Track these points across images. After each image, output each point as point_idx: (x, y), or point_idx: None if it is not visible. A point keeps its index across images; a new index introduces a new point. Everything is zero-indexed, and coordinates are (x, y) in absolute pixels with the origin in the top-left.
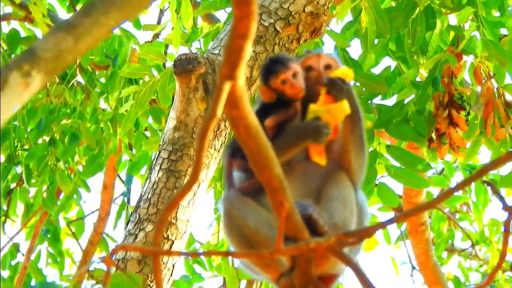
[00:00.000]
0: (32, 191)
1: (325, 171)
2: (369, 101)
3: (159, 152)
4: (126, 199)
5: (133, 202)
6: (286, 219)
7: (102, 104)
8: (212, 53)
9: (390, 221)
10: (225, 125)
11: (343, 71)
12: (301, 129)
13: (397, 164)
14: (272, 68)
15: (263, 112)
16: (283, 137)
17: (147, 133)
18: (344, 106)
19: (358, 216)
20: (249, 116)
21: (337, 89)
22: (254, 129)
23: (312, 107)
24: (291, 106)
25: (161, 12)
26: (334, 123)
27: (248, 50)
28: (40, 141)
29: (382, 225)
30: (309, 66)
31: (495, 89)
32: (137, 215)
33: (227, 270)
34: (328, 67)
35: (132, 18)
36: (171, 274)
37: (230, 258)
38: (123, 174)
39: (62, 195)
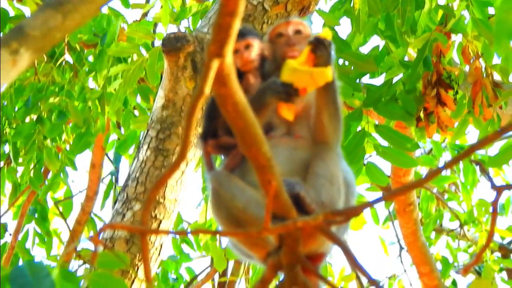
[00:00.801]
0: (20, 170)
1: (310, 147)
2: (358, 80)
3: (147, 130)
4: (114, 178)
5: (121, 182)
6: (274, 198)
7: (90, 83)
8: (200, 32)
9: (377, 200)
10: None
11: (324, 33)
12: (268, 89)
13: (385, 143)
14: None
15: None
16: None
17: (136, 112)
18: (328, 72)
19: (345, 193)
20: (237, 94)
21: (322, 49)
22: (242, 106)
23: (291, 63)
24: (243, 79)
25: None
26: (312, 87)
27: (237, 28)
28: (27, 119)
29: (370, 204)
30: (279, 32)
31: (483, 69)
32: (125, 194)
33: (214, 250)
34: (298, 32)
35: None
36: (159, 253)
37: (218, 237)
38: (111, 154)
39: (49, 175)
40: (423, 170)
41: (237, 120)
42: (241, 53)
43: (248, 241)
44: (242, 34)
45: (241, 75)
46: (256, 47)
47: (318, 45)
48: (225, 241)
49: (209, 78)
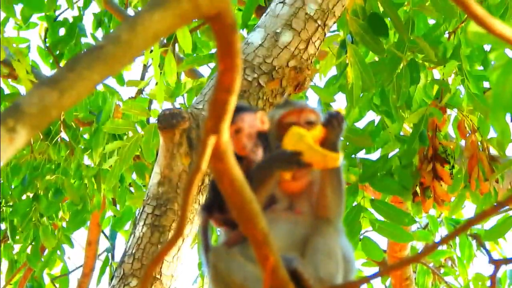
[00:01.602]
0: (17, 247)
1: (309, 221)
2: (353, 155)
3: (143, 207)
4: (110, 255)
5: (117, 258)
6: (272, 273)
7: (86, 160)
8: (196, 108)
9: (374, 275)
10: (209, 180)
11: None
12: (276, 159)
13: (381, 218)
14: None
15: None
16: (254, 170)
17: (131, 189)
18: (339, 159)
19: (344, 268)
20: (234, 170)
21: (335, 124)
22: (239, 183)
23: (303, 132)
24: (243, 160)
25: (145, 67)
26: (320, 167)
27: (233, 104)
28: (24, 197)
29: (367, 279)
30: (290, 122)
31: (479, 143)
32: (122, 270)
33: None
34: (309, 123)
35: (116, 73)
36: None
37: None
38: (107, 230)
39: (46, 251)
40: (419, 245)
41: (234, 196)
42: (232, 139)
43: None
44: (234, 116)
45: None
46: (247, 127)
47: (331, 120)
48: None
49: (205, 154)
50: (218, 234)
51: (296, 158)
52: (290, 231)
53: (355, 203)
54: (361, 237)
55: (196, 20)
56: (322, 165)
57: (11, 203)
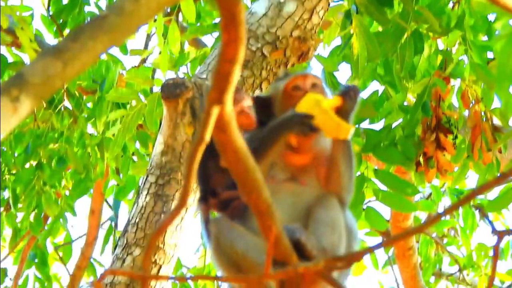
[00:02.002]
0: (20, 216)
1: (314, 193)
2: (357, 125)
3: (147, 176)
4: (113, 223)
5: (121, 227)
6: (275, 243)
7: (90, 129)
8: (199, 78)
9: (378, 246)
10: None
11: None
12: (288, 121)
13: (384, 188)
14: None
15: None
16: (264, 131)
17: (134, 158)
18: (350, 131)
19: (347, 239)
20: (237, 140)
21: (352, 95)
22: (242, 153)
23: (319, 98)
24: None
25: (148, 37)
26: (331, 136)
27: (237, 74)
28: (27, 165)
29: (370, 249)
30: (296, 85)
31: (482, 113)
32: (125, 240)
33: None
34: (314, 86)
35: (119, 43)
36: None
37: (217, 283)
38: (110, 199)
39: (49, 220)
40: (422, 215)
41: (237, 166)
42: (240, 117)
43: (248, 286)
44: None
45: None
46: (247, 103)
47: (348, 91)
48: (224, 286)
49: (209, 125)
50: None
51: (307, 121)
52: (293, 202)
53: (358, 173)
54: (365, 207)
55: None
56: (334, 133)
57: (14, 172)
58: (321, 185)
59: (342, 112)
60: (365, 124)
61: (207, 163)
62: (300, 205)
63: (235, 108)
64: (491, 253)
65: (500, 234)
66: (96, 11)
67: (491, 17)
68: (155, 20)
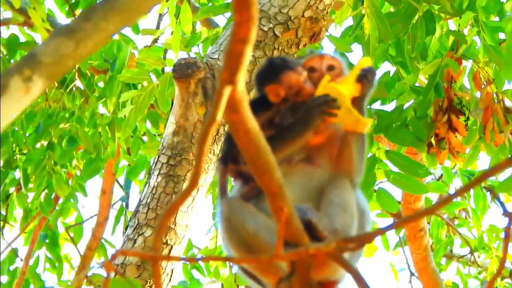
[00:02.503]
0: (31, 196)
1: (326, 174)
2: (368, 106)
3: (158, 157)
4: (124, 204)
5: (132, 207)
6: (286, 224)
7: (101, 109)
8: (211, 58)
9: (389, 227)
10: (224, 130)
11: (364, 61)
12: (312, 108)
13: (396, 169)
14: (287, 66)
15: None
16: (293, 122)
17: (145, 138)
18: (367, 125)
19: (359, 220)
20: (249, 121)
21: (370, 78)
22: (254, 134)
23: (341, 89)
24: (273, 106)
25: (160, 16)
26: (350, 129)
27: (248, 55)
28: (38, 145)
29: (382, 231)
30: (311, 67)
31: (494, 95)
32: (136, 220)
33: (225, 276)
34: (331, 68)
35: (131, 23)
36: (170, 279)
37: (228, 263)
38: (121, 179)
39: (60, 200)
40: (433, 196)
41: (249, 147)
42: (308, 83)
43: (259, 267)
44: (297, 64)
45: (265, 102)
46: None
47: (366, 75)
48: (235, 267)
49: (220, 105)
50: (233, 186)
51: (328, 99)
52: (306, 183)
53: (370, 154)
54: (376, 188)
55: None
56: (351, 127)
57: (25, 151)
58: (333, 165)
59: (358, 97)
60: (376, 105)
61: None
62: (312, 187)
63: (300, 78)
64: (502, 235)
65: (511, 216)
66: None
67: None
68: (167, 0)
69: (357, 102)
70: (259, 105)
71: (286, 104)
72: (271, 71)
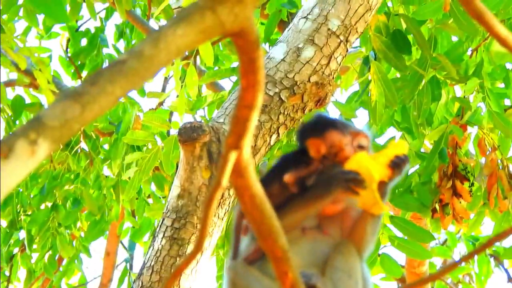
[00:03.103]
0: (34, 256)
1: (334, 242)
2: None
3: (163, 219)
4: (128, 265)
5: (135, 269)
6: None
7: (105, 171)
8: (217, 122)
9: None
10: (228, 194)
11: (401, 146)
12: (334, 178)
13: (400, 234)
14: (334, 124)
15: (284, 165)
16: (314, 187)
17: (150, 200)
18: (383, 210)
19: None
20: (254, 186)
21: (402, 168)
22: (259, 198)
23: (370, 168)
24: (312, 163)
25: (166, 79)
26: (364, 208)
27: (255, 120)
28: (42, 206)
29: None
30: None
31: (499, 161)
32: (140, 282)
33: None
34: (361, 147)
35: (138, 86)
36: None
37: None
38: (125, 241)
39: (64, 261)
40: (437, 260)
41: (253, 212)
42: (349, 147)
43: None
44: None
45: (305, 158)
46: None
47: (400, 165)
48: None
49: (226, 170)
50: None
51: (355, 176)
52: (314, 249)
53: None
54: (380, 253)
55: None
56: (367, 207)
57: (29, 212)
58: (344, 236)
59: (385, 181)
60: None
61: (274, 180)
62: (319, 253)
63: (344, 140)
64: None
65: None
66: (114, 53)
67: (509, 65)
68: (173, 64)
69: (382, 185)
70: (296, 159)
71: (324, 163)
72: (317, 126)
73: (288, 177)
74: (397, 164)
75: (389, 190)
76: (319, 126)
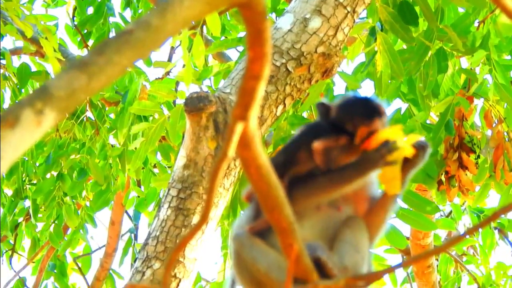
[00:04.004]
0: (39, 225)
1: (346, 218)
2: None
3: (168, 190)
4: (133, 235)
5: (140, 239)
6: (295, 261)
7: (111, 140)
8: (223, 92)
9: (399, 266)
10: (234, 164)
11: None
12: (368, 158)
13: (405, 206)
14: (380, 112)
15: (312, 132)
16: (348, 168)
17: (155, 170)
18: (398, 191)
19: (369, 264)
20: (261, 156)
21: (426, 152)
22: (265, 170)
23: (400, 133)
24: (344, 137)
25: (172, 49)
26: (381, 181)
27: (261, 91)
28: (48, 175)
29: (392, 269)
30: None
31: (505, 133)
32: (145, 253)
33: None
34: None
35: (145, 56)
36: None
37: None
38: (130, 211)
39: (69, 230)
40: (442, 232)
41: (259, 183)
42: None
43: None
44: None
45: (337, 131)
46: None
47: (424, 147)
48: None
49: (232, 141)
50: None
51: (388, 146)
52: (327, 225)
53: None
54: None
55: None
56: (384, 181)
57: (35, 182)
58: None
59: (409, 165)
60: None
61: (301, 146)
62: (332, 229)
63: (380, 127)
64: (510, 272)
65: None
66: (121, 22)
67: None
68: (180, 33)
69: (406, 168)
70: (325, 129)
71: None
72: (367, 112)
73: (317, 145)
74: (421, 145)
75: (409, 177)
76: (369, 113)
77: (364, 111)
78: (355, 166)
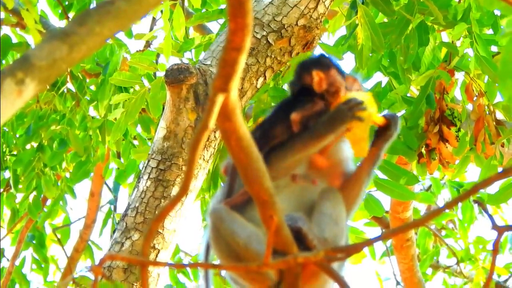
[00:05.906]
0: (19, 196)
1: (322, 189)
2: None
3: (148, 161)
4: (112, 207)
5: (120, 210)
6: (275, 233)
7: (92, 112)
8: (203, 64)
9: (377, 238)
10: (214, 136)
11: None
12: (338, 112)
13: (384, 177)
14: (338, 66)
15: (287, 106)
16: (318, 125)
17: (135, 142)
18: (364, 154)
19: (347, 236)
20: (241, 128)
21: (396, 122)
22: (245, 141)
23: (370, 100)
24: (318, 102)
25: (154, 21)
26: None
27: (242, 63)
28: (28, 146)
29: (371, 241)
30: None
31: (486, 107)
32: (124, 224)
33: (213, 281)
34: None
35: (126, 28)
36: (156, 283)
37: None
38: (110, 182)
39: (49, 202)
40: (421, 206)
41: (240, 155)
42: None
43: (248, 275)
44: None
45: (311, 98)
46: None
47: (394, 117)
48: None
49: (213, 113)
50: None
51: (357, 102)
52: (302, 196)
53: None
54: (364, 196)
55: None
56: (353, 142)
57: (15, 152)
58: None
59: (380, 138)
60: None
61: (277, 121)
62: (308, 200)
63: (343, 82)
64: (488, 246)
65: (500, 230)
66: None
67: (498, 12)
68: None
69: (380, 141)
70: (299, 100)
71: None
72: (321, 62)
73: (295, 115)
74: (391, 115)
75: (381, 153)
76: (324, 62)
77: (316, 60)
78: (325, 122)
